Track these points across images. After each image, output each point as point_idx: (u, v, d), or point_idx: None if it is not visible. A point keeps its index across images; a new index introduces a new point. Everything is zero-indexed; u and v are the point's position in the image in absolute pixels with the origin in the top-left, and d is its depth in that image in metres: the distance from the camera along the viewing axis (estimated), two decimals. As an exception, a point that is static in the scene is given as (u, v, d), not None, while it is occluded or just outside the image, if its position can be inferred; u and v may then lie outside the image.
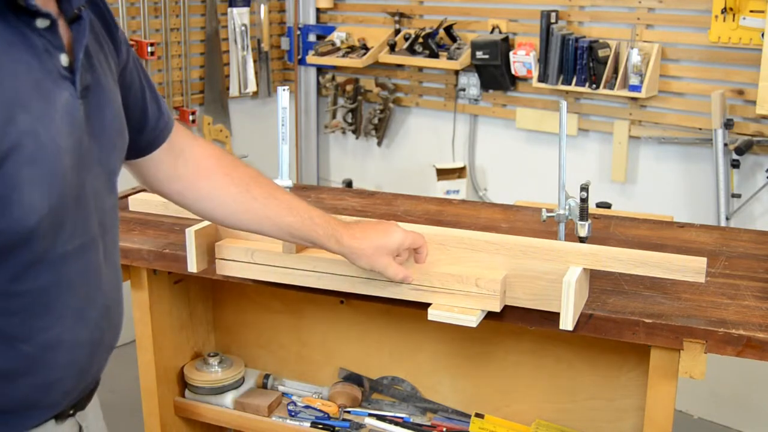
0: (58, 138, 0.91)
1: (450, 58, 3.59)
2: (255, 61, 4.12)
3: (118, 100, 1.09)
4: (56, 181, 0.91)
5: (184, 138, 1.30)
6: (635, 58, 3.08)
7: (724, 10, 2.91)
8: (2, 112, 0.84)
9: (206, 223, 1.62)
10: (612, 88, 3.17)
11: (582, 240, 1.66)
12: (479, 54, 3.48)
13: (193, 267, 1.61)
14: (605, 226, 1.92)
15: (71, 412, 1.09)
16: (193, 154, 1.30)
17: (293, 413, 1.97)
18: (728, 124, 2.97)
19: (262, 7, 4.12)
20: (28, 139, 0.87)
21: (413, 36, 3.70)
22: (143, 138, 1.22)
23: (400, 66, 3.94)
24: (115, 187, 1.11)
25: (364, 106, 4.12)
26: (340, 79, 4.14)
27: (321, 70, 4.24)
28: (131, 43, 3.48)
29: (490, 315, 1.46)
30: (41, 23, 0.90)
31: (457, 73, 3.76)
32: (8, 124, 0.85)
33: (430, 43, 3.63)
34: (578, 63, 3.22)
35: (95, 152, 1.01)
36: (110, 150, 1.06)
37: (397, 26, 3.85)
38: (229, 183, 1.30)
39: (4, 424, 0.99)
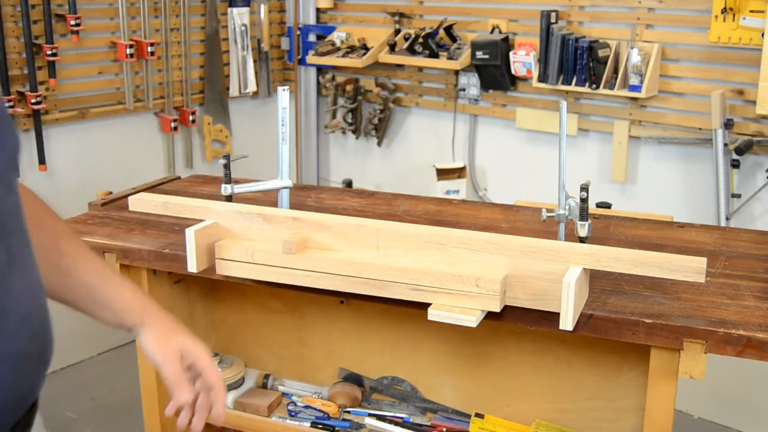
0: None
1: (450, 58, 3.59)
2: (255, 61, 4.12)
3: (1, 95, 0.98)
4: None
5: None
6: (635, 58, 3.08)
7: (724, 10, 2.91)
8: None
9: (206, 223, 1.62)
10: (612, 88, 3.17)
11: (582, 240, 1.66)
12: (479, 54, 3.48)
13: (193, 267, 1.61)
14: (605, 226, 1.92)
15: None
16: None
17: (293, 413, 1.97)
18: (728, 124, 2.97)
19: (262, 7, 4.12)
20: None
21: (413, 36, 3.70)
22: None
23: (400, 66, 3.94)
24: (13, 188, 0.99)
25: (364, 106, 4.12)
26: (340, 79, 4.14)
27: (321, 70, 4.24)
28: (131, 42, 3.49)
29: (490, 315, 1.46)
30: None
31: (457, 73, 3.76)
32: None
33: (430, 43, 3.63)
34: (578, 63, 3.22)
35: None
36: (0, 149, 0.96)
37: (397, 26, 3.85)
38: (38, 236, 1.12)
39: None
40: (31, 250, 1.02)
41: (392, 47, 3.78)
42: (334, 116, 4.22)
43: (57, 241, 1.19)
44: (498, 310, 1.44)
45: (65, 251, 1.19)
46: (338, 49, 3.93)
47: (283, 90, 1.82)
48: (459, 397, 1.94)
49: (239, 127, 4.17)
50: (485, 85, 3.63)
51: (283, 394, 2.05)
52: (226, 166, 1.92)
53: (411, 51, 3.70)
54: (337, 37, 3.98)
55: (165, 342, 1.24)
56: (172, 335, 1.25)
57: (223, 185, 1.92)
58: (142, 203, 1.77)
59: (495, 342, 1.85)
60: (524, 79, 3.52)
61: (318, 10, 4.19)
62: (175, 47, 3.78)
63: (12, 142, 1.00)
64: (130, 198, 1.81)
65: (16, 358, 0.96)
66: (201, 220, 1.64)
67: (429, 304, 1.47)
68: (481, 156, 3.83)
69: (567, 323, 1.38)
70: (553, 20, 3.30)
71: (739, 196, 3.01)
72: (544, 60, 3.33)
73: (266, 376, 2.08)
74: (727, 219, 3.01)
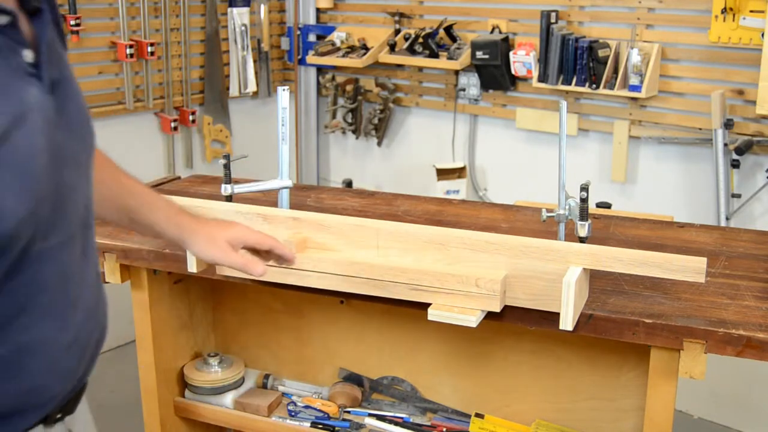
0: (32, 137, 0.88)
1: (450, 58, 3.59)
2: (255, 61, 4.12)
3: (80, 91, 1.05)
4: (32, 183, 0.88)
5: None
6: (635, 58, 3.08)
7: (724, 10, 2.91)
8: None
9: (206, 223, 1.62)
10: (612, 88, 3.17)
11: (582, 240, 1.66)
12: (479, 54, 3.48)
13: (193, 267, 1.61)
14: (605, 226, 1.92)
15: (59, 416, 1.06)
16: None
17: (293, 413, 1.97)
18: (728, 124, 2.97)
19: (262, 7, 4.12)
20: (3, 143, 0.84)
21: (413, 36, 3.70)
22: None
23: (400, 66, 3.94)
24: (91, 180, 1.07)
25: (364, 106, 4.12)
26: (340, 79, 4.14)
27: (321, 70, 4.24)
28: (131, 42, 3.49)
29: (490, 315, 1.46)
30: (1, 20, 0.87)
31: (457, 73, 3.76)
32: None
33: (430, 43, 3.63)
34: (578, 63, 3.22)
35: (68, 147, 0.98)
36: (82, 143, 1.03)
37: (397, 26, 3.85)
38: None
39: None
40: (95, 242, 1.10)
41: (392, 47, 3.77)
42: (334, 116, 4.22)
43: (96, 166, 1.24)
44: (498, 310, 1.44)
45: (103, 179, 1.24)
46: (338, 49, 3.93)
47: (283, 90, 1.82)
48: (459, 397, 1.94)
49: (239, 127, 4.17)
50: (485, 85, 3.63)
51: (283, 394, 2.05)
52: (226, 166, 1.92)
53: (411, 51, 3.70)
54: (337, 37, 3.98)
55: (211, 242, 1.33)
56: (214, 234, 1.34)
57: (223, 185, 1.93)
58: (142, 203, 1.77)
59: (495, 342, 1.85)
60: (524, 79, 3.52)
61: (318, 10, 4.19)
62: (175, 47, 3.78)
63: (90, 138, 1.07)
64: (130, 198, 1.80)
65: (81, 347, 1.03)
66: (201, 220, 1.64)
67: (429, 304, 1.47)
68: (481, 156, 3.83)
69: (567, 323, 1.38)
70: (553, 20, 3.30)
71: (739, 196, 3.01)
72: (544, 60, 3.33)
73: (266, 376, 2.08)
74: (727, 219, 3.01)
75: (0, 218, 0.84)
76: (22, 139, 0.86)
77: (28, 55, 0.90)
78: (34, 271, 0.93)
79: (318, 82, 4.27)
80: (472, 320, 1.42)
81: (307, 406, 1.98)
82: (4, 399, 0.96)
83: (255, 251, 1.40)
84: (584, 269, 1.42)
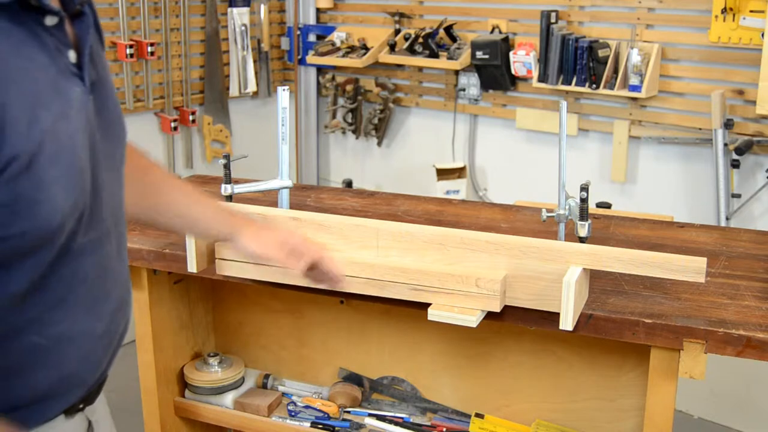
0: (75, 135, 0.92)
1: (450, 58, 3.59)
2: (255, 61, 4.12)
3: (115, 92, 1.09)
4: (76, 178, 0.92)
5: None
6: (635, 58, 3.08)
7: (724, 10, 2.91)
8: (26, 113, 0.84)
9: (206, 223, 1.62)
10: (612, 88, 3.17)
11: (582, 240, 1.66)
12: (479, 54, 3.48)
13: (193, 267, 1.61)
14: (605, 226, 1.92)
15: (81, 406, 1.09)
16: None
17: (293, 413, 1.97)
18: (728, 124, 2.97)
19: (262, 7, 4.12)
20: (49, 138, 0.87)
21: (413, 36, 3.70)
22: None
23: (400, 66, 3.93)
24: (122, 180, 1.11)
25: (364, 106, 4.12)
26: (340, 79, 4.14)
27: (321, 70, 4.24)
28: (131, 42, 3.49)
29: (490, 315, 1.46)
30: (50, 21, 0.90)
31: (457, 73, 3.76)
32: (33, 124, 0.85)
33: (430, 43, 3.63)
34: (578, 63, 3.22)
35: (105, 146, 1.02)
36: (116, 143, 1.07)
37: (397, 26, 3.85)
38: (126, 167, 1.29)
39: (17, 417, 0.98)
40: (126, 239, 1.14)
41: (392, 47, 3.77)
42: (334, 116, 4.22)
43: (145, 170, 1.30)
44: (498, 310, 1.44)
45: (154, 178, 1.32)
46: (338, 49, 3.93)
47: (283, 90, 1.82)
48: (459, 397, 1.94)
49: (239, 127, 4.17)
50: (485, 85, 3.63)
51: (283, 394, 2.05)
52: (226, 166, 1.92)
53: (411, 51, 3.70)
54: (337, 37, 3.98)
55: (258, 239, 1.38)
56: (262, 232, 1.39)
57: (223, 185, 1.93)
58: (142, 203, 1.77)
59: (495, 342, 1.85)
60: (524, 79, 3.52)
61: (318, 10, 4.19)
62: (175, 47, 3.77)
63: (125, 136, 1.12)
64: (130, 198, 1.80)
65: (108, 338, 1.07)
66: (201, 220, 1.64)
67: (429, 304, 1.47)
68: (481, 156, 3.83)
69: (567, 323, 1.38)
70: (553, 20, 3.30)
71: (739, 196, 3.01)
72: (544, 60, 3.33)
73: (266, 376, 2.08)
74: (727, 219, 3.01)
75: (50, 212, 0.88)
76: (67, 136, 0.90)
77: (72, 55, 0.94)
78: (75, 264, 0.97)
79: (318, 82, 4.27)
80: (472, 320, 1.42)
81: (307, 406, 1.98)
82: (38, 386, 0.98)
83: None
84: (584, 269, 1.42)
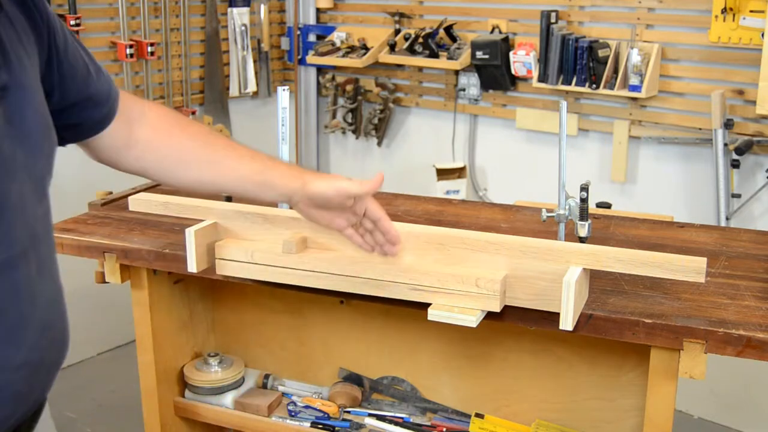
0: None
1: (450, 58, 3.59)
2: (255, 61, 4.12)
3: (40, 99, 1.00)
4: None
5: (135, 103, 1.27)
6: (635, 58, 3.08)
7: (724, 10, 2.91)
8: None
9: (206, 222, 1.62)
10: (612, 88, 3.17)
11: (582, 240, 1.66)
12: (479, 54, 3.48)
13: (193, 267, 1.61)
14: (605, 226, 1.92)
15: None
16: (149, 116, 1.28)
17: (293, 413, 1.97)
18: (728, 124, 2.97)
19: (262, 7, 4.12)
20: None
21: (413, 36, 3.70)
22: (97, 114, 1.18)
23: (400, 66, 3.94)
24: (46, 194, 1.02)
25: (364, 106, 4.12)
26: (340, 79, 4.14)
27: (321, 70, 4.24)
28: (131, 42, 3.49)
29: (490, 315, 1.46)
30: None
31: (457, 73, 3.76)
32: None
33: (430, 43, 3.63)
34: (578, 63, 3.22)
35: (19, 158, 0.93)
36: (37, 154, 0.98)
37: (397, 26, 3.85)
38: (187, 138, 1.29)
39: None
40: (55, 257, 1.03)
41: (392, 47, 3.77)
42: (334, 116, 4.22)
43: (206, 140, 1.30)
44: (498, 310, 1.44)
45: (217, 149, 1.30)
46: (338, 49, 3.93)
47: (283, 90, 1.82)
48: (459, 397, 1.94)
49: (239, 127, 4.17)
50: (485, 85, 3.63)
51: (283, 394, 2.05)
52: (226, 166, 1.91)
53: (411, 51, 3.70)
54: (337, 37, 3.98)
55: (329, 180, 1.35)
56: (332, 176, 1.36)
57: (223, 185, 1.92)
58: (142, 203, 1.78)
59: (495, 342, 1.85)
60: (524, 79, 3.52)
61: (318, 10, 4.19)
62: (175, 47, 3.78)
63: (49, 148, 1.02)
64: (130, 198, 1.81)
65: (32, 367, 0.97)
66: (201, 220, 1.64)
67: (429, 304, 1.46)
68: (481, 156, 3.83)
69: (567, 323, 1.38)
70: (553, 20, 3.30)
71: (739, 196, 3.01)
72: (544, 60, 3.33)
73: (266, 376, 2.08)
74: (727, 219, 3.01)
75: None
76: None
77: None
78: None
79: (318, 82, 4.27)
80: (472, 320, 1.42)
81: (307, 406, 1.98)
82: None
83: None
84: (584, 269, 1.42)
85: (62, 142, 1.15)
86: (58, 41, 1.06)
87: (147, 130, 1.27)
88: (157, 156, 1.28)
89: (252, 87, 4.09)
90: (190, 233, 1.59)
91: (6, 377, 0.93)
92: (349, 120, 4.15)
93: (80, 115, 1.15)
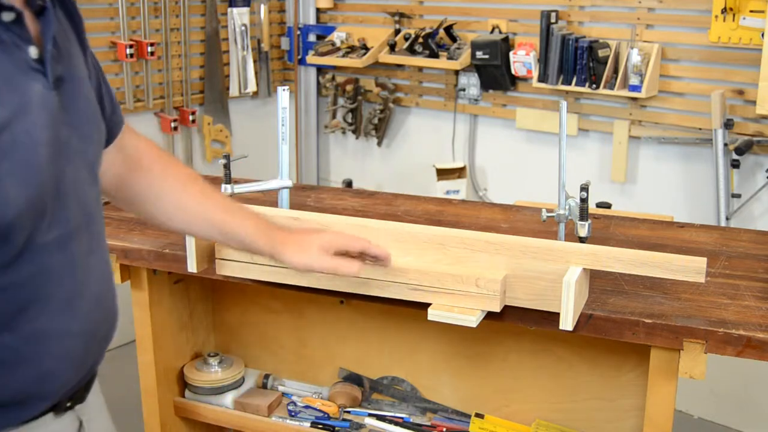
0: (33, 130, 0.91)
1: (450, 58, 3.59)
2: (255, 61, 4.12)
3: (91, 91, 1.08)
4: (33, 174, 0.91)
5: (129, 135, 1.31)
6: (635, 58, 3.08)
7: (724, 10, 2.91)
8: None
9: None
10: (612, 88, 3.17)
11: (582, 240, 1.66)
12: (479, 54, 3.48)
13: (193, 267, 1.61)
14: (605, 226, 1.92)
15: (69, 404, 1.08)
16: (135, 150, 1.31)
17: (293, 413, 1.97)
18: (728, 124, 2.97)
19: (262, 7, 4.12)
20: (3, 133, 0.87)
21: (413, 36, 3.70)
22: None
23: (400, 66, 3.93)
24: (98, 178, 1.11)
25: (364, 106, 4.12)
26: (340, 79, 4.14)
27: (321, 70, 4.24)
28: (131, 42, 3.49)
29: (490, 315, 1.46)
30: (7, 17, 0.90)
31: (457, 73, 3.76)
32: None
33: (430, 43, 3.63)
34: (578, 63, 3.22)
35: (74, 143, 1.01)
36: (89, 141, 1.06)
37: (397, 26, 3.85)
38: (165, 178, 1.31)
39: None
40: (104, 237, 1.13)
41: (392, 47, 3.77)
42: (334, 116, 4.22)
43: (184, 186, 1.32)
44: (498, 310, 1.44)
45: (193, 194, 1.32)
46: (338, 49, 3.93)
47: (283, 90, 1.82)
48: (459, 397, 1.94)
49: (239, 127, 4.17)
50: (485, 85, 3.63)
51: (283, 394, 2.05)
52: (226, 166, 1.92)
53: (411, 51, 3.70)
54: (337, 37, 3.98)
55: (302, 250, 1.33)
56: (304, 241, 1.35)
57: (223, 185, 1.93)
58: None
59: (495, 342, 1.85)
60: (524, 79, 3.52)
61: (318, 10, 4.19)
62: (175, 47, 3.77)
63: (100, 136, 1.11)
64: (130, 198, 1.81)
65: (88, 336, 1.06)
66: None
67: (429, 304, 1.47)
68: (481, 156, 3.83)
69: (567, 323, 1.38)
70: (553, 20, 3.30)
71: (739, 196, 3.01)
72: (544, 60, 3.33)
73: (266, 376, 2.08)
74: (727, 219, 3.01)
75: (2, 206, 0.88)
76: (23, 131, 0.90)
77: (33, 51, 0.93)
78: (40, 262, 0.96)
79: (318, 82, 4.27)
80: (472, 320, 1.42)
81: (307, 406, 1.98)
82: (15, 386, 0.98)
83: (348, 255, 1.39)
84: (584, 269, 1.42)
85: None
86: (85, 46, 1.13)
87: (128, 164, 1.29)
88: (131, 191, 1.31)
89: (252, 87, 4.09)
90: (190, 233, 1.59)
91: (66, 343, 1.02)
92: (349, 120, 4.15)
93: None
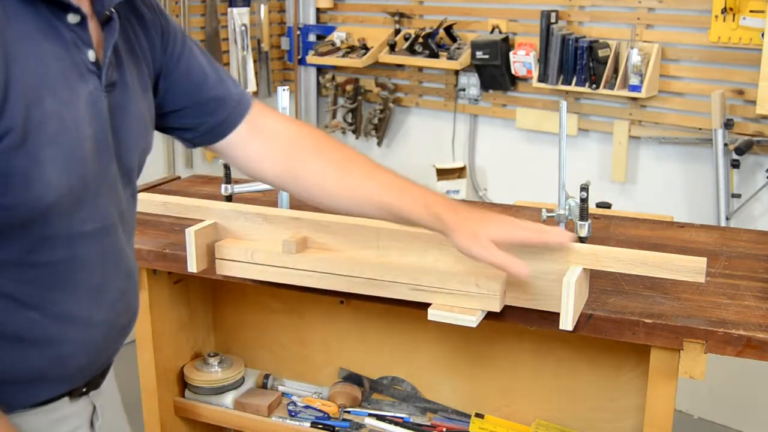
0: (81, 124, 0.96)
1: (450, 58, 3.59)
2: (255, 61, 4.12)
3: (141, 102, 1.12)
4: (76, 164, 0.96)
5: (269, 119, 1.31)
6: (635, 58, 3.08)
7: (724, 10, 2.91)
8: (30, 93, 0.90)
9: (206, 223, 1.62)
10: (612, 88, 3.17)
11: (582, 240, 1.66)
12: (479, 54, 3.48)
13: (193, 267, 1.61)
14: (605, 226, 1.92)
15: (84, 390, 1.12)
16: (285, 134, 1.31)
17: (293, 413, 1.97)
18: (728, 124, 2.97)
19: (262, 7, 4.12)
20: (52, 120, 0.92)
21: (413, 36, 3.70)
22: (212, 120, 1.25)
23: (400, 66, 3.94)
24: (134, 182, 1.15)
25: (364, 106, 4.12)
26: (340, 79, 4.14)
27: (321, 70, 4.24)
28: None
29: (490, 315, 1.46)
30: (72, 18, 0.96)
31: (457, 73, 3.77)
32: (35, 104, 0.90)
33: (430, 43, 3.63)
34: (578, 63, 3.22)
35: (116, 146, 1.06)
36: (131, 148, 1.10)
37: (397, 26, 3.85)
38: (327, 164, 1.31)
39: (14, 395, 1.01)
40: (134, 237, 1.18)
41: (392, 47, 3.78)
42: (334, 116, 4.22)
43: (347, 170, 1.32)
44: (498, 310, 1.43)
45: (356, 177, 1.32)
46: (338, 49, 3.94)
47: (283, 90, 1.82)
48: (459, 397, 1.94)
49: (239, 127, 4.16)
50: (485, 85, 3.63)
51: (283, 394, 2.05)
52: (226, 166, 1.92)
53: (411, 51, 3.70)
54: (337, 37, 3.98)
55: (474, 240, 1.27)
56: (478, 231, 1.27)
57: (223, 185, 1.92)
58: (141, 203, 1.77)
59: (495, 342, 1.85)
60: (524, 79, 3.52)
61: (318, 10, 4.19)
62: (175, 47, 3.77)
63: (144, 146, 1.15)
64: (130, 198, 1.81)
65: (109, 326, 1.10)
66: (201, 220, 1.64)
67: (429, 304, 1.46)
68: (481, 156, 3.83)
69: (567, 323, 1.38)
70: (553, 20, 3.30)
71: (739, 196, 3.01)
72: (544, 60, 3.33)
73: (266, 376, 2.08)
74: (727, 219, 3.01)
75: (43, 188, 0.93)
76: (72, 122, 0.95)
77: (91, 54, 0.99)
78: (76, 249, 1.01)
79: (318, 82, 4.27)
80: (472, 320, 1.42)
81: (307, 406, 1.98)
82: (34, 364, 1.02)
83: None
84: (584, 269, 1.42)
85: (188, 144, 1.29)
86: (175, 50, 1.20)
87: (284, 150, 1.30)
88: (294, 179, 1.31)
89: (252, 87, 4.09)
90: (190, 233, 1.59)
91: (88, 331, 1.06)
92: (349, 120, 4.15)
93: (194, 118, 1.24)
